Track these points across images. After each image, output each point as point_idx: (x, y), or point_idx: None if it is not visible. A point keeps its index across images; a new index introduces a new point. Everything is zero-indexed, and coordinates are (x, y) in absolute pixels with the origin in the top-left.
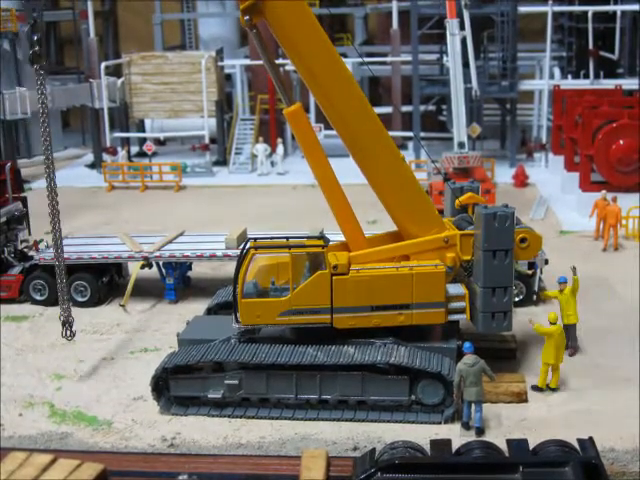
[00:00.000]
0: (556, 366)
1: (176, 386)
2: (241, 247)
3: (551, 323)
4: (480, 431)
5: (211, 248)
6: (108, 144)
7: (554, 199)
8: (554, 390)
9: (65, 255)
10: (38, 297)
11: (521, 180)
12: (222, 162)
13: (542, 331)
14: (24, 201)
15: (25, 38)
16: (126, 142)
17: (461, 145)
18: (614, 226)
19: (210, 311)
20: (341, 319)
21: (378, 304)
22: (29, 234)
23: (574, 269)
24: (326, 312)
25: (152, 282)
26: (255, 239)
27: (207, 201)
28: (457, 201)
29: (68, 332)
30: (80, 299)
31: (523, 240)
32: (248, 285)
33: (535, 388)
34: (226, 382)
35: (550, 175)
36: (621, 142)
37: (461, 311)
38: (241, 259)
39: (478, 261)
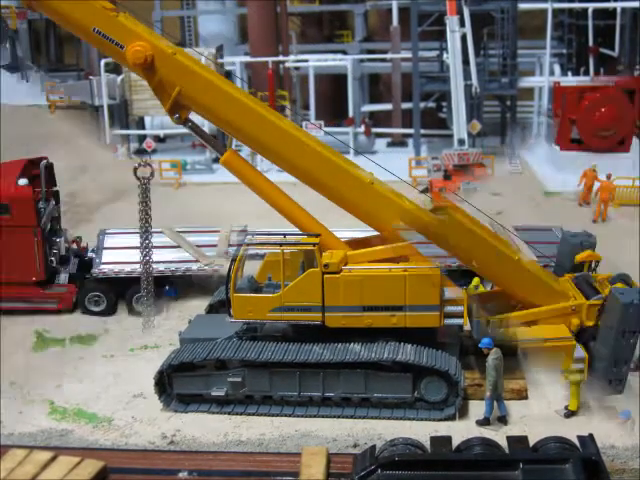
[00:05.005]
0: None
1: (179, 383)
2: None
3: None
4: (505, 419)
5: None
6: (108, 141)
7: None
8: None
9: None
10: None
11: None
12: None
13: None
14: (56, 195)
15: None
16: (126, 139)
17: (461, 142)
18: (606, 200)
19: (212, 307)
20: (333, 318)
21: (370, 304)
22: (59, 226)
23: None
24: (317, 310)
25: None
26: (253, 235)
27: (207, 198)
28: (575, 258)
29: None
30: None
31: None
32: (243, 280)
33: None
34: (229, 380)
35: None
36: (603, 110)
37: (458, 315)
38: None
39: (606, 335)
